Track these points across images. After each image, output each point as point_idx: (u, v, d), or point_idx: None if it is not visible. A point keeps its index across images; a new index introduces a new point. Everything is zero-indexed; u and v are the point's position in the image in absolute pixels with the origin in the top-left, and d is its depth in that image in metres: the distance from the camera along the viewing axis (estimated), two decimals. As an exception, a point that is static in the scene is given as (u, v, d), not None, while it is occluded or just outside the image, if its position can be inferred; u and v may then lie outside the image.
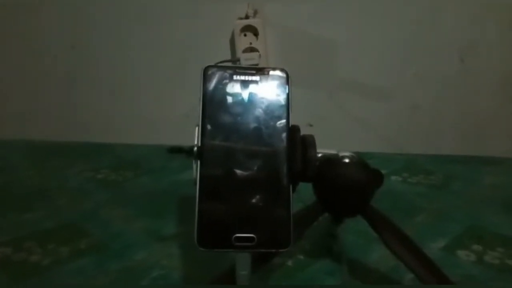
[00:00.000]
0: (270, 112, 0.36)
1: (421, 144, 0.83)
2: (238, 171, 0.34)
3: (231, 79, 0.37)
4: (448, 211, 0.59)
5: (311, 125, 0.82)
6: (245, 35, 0.77)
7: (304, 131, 0.37)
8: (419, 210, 0.59)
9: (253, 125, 0.36)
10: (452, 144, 0.82)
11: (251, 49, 0.77)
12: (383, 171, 0.41)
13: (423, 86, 0.80)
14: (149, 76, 0.83)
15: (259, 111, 0.36)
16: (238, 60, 0.75)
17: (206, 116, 0.35)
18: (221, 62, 0.63)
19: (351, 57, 0.80)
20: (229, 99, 0.36)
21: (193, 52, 0.80)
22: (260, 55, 0.77)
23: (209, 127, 0.35)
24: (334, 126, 0.83)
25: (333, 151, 0.41)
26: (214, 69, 0.37)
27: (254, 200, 0.34)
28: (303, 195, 0.39)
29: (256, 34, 0.77)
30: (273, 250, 0.34)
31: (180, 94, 0.79)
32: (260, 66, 0.75)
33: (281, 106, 0.36)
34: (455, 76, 0.79)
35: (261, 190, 0.34)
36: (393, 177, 0.71)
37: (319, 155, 0.39)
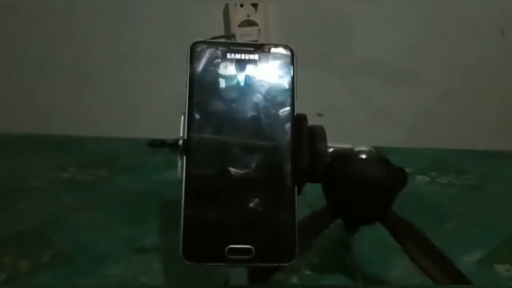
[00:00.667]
0: (271, 98, 0.36)
1: (452, 137, 0.83)
2: (232, 169, 0.35)
3: (224, 58, 0.37)
4: (485, 217, 0.59)
5: (320, 115, 0.82)
6: (241, 5, 0.77)
7: (312, 121, 0.37)
8: (450, 215, 0.59)
9: (250, 113, 0.36)
10: (490, 137, 0.83)
11: (249, 23, 0.77)
12: (407, 170, 0.41)
13: (455, 67, 0.81)
14: (126, 55, 0.83)
15: (258, 97, 0.36)
16: (233, 36, 0.74)
17: (193, 103, 0.35)
18: (212, 38, 0.63)
19: (369, 33, 0.80)
20: (222, 82, 0.36)
21: (179, 26, 0.80)
22: (259, 30, 0.77)
23: (197, 116, 0.35)
24: (348, 116, 0.83)
25: (347, 145, 0.41)
26: (203, 46, 0.37)
27: (251, 204, 0.34)
28: (311, 197, 0.39)
29: (254, 4, 0.77)
30: (275, 264, 0.34)
31: (163, 77, 0.79)
32: (260, 42, 0.76)
33: (285, 90, 0.37)
34: (494, 55, 0.79)
35: (260, 192, 0.35)
36: (419, 177, 0.71)
37: (330, 149, 0.39)
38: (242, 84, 0.36)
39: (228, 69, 0.37)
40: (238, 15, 0.77)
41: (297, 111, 0.36)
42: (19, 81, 0.86)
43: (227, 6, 0.78)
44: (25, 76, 0.85)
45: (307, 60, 0.80)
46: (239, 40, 0.74)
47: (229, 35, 0.77)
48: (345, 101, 0.83)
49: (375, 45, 0.80)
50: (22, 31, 0.83)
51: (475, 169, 0.74)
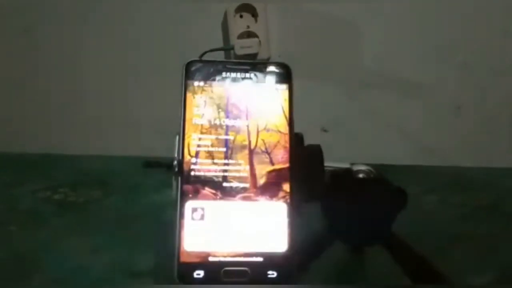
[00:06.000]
0: (268, 116, 0.39)
1: (466, 154, 0.84)
2: (228, 190, 0.37)
3: (219, 77, 0.39)
4: (499, 240, 0.60)
5: (325, 131, 0.83)
6: (241, 16, 0.78)
7: (316, 138, 0.39)
8: (461, 238, 0.60)
9: (246, 133, 0.38)
10: (508, 154, 0.84)
11: (249, 34, 0.78)
12: (416, 188, 0.42)
13: (472, 79, 0.82)
14: (121, 69, 0.85)
15: (254, 116, 0.39)
16: (232, 48, 0.76)
17: (188, 122, 0.38)
18: (210, 50, 0.66)
19: (376, 44, 0.82)
20: (217, 101, 0.39)
21: (176, 38, 0.81)
22: (260, 42, 0.78)
23: (192, 136, 0.38)
24: (354, 132, 0.84)
25: (345, 165, 0.43)
26: (199, 65, 0.39)
27: (247, 225, 0.36)
28: (310, 218, 0.41)
29: (254, 15, 0.78)
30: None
31: (160, 91, 0.81)
32: (260, 55, 0.78)
33: (281, 109, 0.39)
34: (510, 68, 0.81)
35: (256, 212, 0.37)
36: (429, 197, 0.72)
37: (328, 169, 0.41)
38: (238, 103, 0.39)
39: (223, 88, 0.39)
40: (237, 26, 0.78)
41: (299, 127, 0.39)
42: (6, 97, 0.88)
43: (225, 16, 0.79)
44: (13, 91, 0.87)
45: (312, 72, 0.82)
46: (238, 52, 0.76)
47: (228, 47, 0.78)
48: (352, 115, 0.84)
49: (383, 56, 0.82)
50: (8, 44, 0.85)
51: (491, 188, 0.75)
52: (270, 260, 0.36)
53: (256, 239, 0.37)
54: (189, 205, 0.37)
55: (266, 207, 0.37)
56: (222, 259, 0.36)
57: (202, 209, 0.37)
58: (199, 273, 0.35)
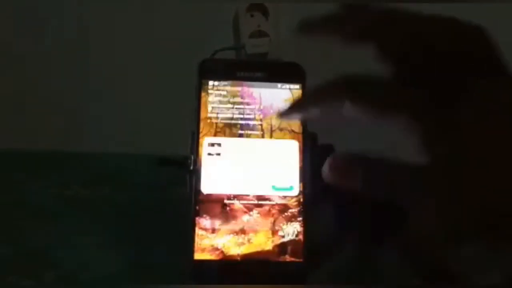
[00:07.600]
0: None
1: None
2: (242, 188, 0.37)
3: (233, 76, 0.40)
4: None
5: (336, 130, 0.84)
6: (251, 15, 0.79)
7: (328, 137, 0.40)
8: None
9: (260, 131, 0.39)
10: None
11: (260, 33, 0.78)
12: None
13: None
14: (132, 66, 0.85)
15: (267, 115, 0.39)
16: (243, 47, 0.76)
17: (202, 121, 0.38)
18: (221, 49, 0.66)
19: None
20: (231, 100, 0.39)
21: (187, 36, 0.82)
22: (271, 41, 0.78)
23: (207, 134, 0.38)
24: (367, 131, 0.84)
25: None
26: (213, 63, 0.40)
27: (262, 223, 0.37)
28: (323, 216, 0.41)
29: (266, 13, 0.79)
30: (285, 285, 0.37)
31: (169, 90, 0.82)
32: (271, 54, 0.78)
33: (295, 108, 0.39)
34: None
35: (270, 211, 0.37)
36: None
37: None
38: (251, 101, 0.39)
39: (237, 86, 0.40)
40: (248, 25, 0.78)
41: (311, 126, 0.39)
42: (22, 96, 0.89)
43: (236, 15, 0.80)
44: (29, 91, 0.88)
45: (324, 71, 0.82)
46: (249, 51, 0.76)
47: (238, 46, 0.78)
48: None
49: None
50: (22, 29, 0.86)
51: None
52: (284, 258, 0.36)
53: (268, 237, 0.37)
54: (204, 201, 0.37)
55: (280, 204, 0.37)
56: (236, 255, 0.36)
57: (217, 206, 0.37)
58: (213, 270, 0.36)
